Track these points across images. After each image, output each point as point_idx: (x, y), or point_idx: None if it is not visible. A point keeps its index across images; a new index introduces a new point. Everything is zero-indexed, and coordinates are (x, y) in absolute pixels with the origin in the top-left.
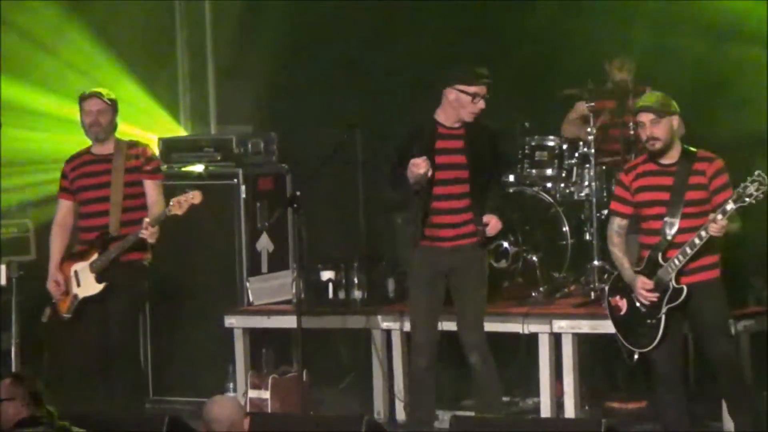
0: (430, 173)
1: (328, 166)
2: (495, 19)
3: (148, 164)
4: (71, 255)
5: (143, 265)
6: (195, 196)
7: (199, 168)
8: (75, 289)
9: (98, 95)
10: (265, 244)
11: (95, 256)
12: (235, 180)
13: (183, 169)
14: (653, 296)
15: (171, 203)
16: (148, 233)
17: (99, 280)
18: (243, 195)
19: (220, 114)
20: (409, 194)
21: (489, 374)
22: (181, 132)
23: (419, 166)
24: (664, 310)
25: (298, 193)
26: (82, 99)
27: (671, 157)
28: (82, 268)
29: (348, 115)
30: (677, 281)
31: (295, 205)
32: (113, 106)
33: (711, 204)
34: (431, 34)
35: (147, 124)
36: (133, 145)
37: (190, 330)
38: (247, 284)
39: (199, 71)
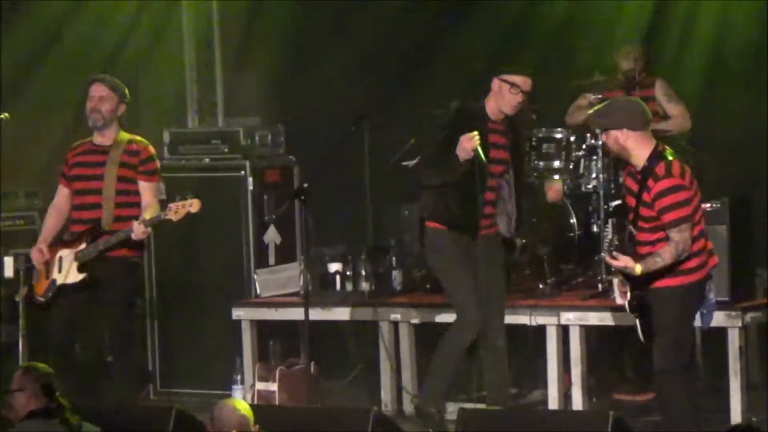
0: (477, 142)
1: (335, 158)
2: (503, 11)
3: (144, 165)
4: (60, 241)
5: (133, 262)
6: (193, 205)
7: (206, 160)
8: (55, 275)
9: (102, 80)
10: (272, 236)
11: (83, 246)
12: (243, 172)
13: (191, 161)
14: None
15: (168, 207)
16: (140, 232)
17: (80, 270)
18: (250, 187)
19: (227, 106)
20: (455, 177)
21: (505, 363)
22: (188, 125)
23: (470, 140)
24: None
25: (305, 185)
26: (88, 83)
27: (637, 165)
28: (67, 255)
29: (355, 106)
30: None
31: (302, 197)
32: (119, 94)
33: (661, 221)
34: (438, 27)
35: (154, 117)
36: (133, 141)
37: (198, 322)
38: (255, 276)
39: (207, 63)
